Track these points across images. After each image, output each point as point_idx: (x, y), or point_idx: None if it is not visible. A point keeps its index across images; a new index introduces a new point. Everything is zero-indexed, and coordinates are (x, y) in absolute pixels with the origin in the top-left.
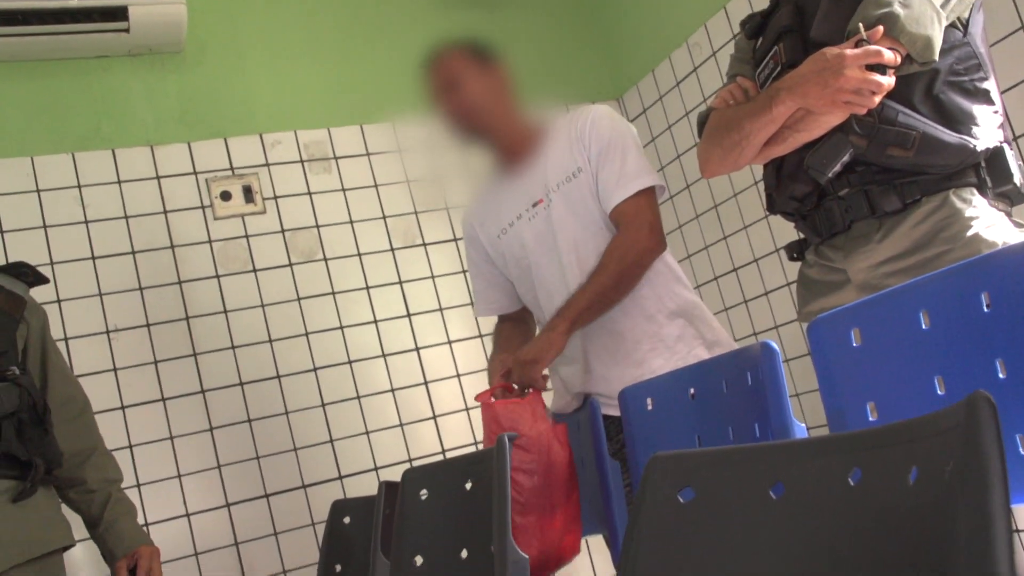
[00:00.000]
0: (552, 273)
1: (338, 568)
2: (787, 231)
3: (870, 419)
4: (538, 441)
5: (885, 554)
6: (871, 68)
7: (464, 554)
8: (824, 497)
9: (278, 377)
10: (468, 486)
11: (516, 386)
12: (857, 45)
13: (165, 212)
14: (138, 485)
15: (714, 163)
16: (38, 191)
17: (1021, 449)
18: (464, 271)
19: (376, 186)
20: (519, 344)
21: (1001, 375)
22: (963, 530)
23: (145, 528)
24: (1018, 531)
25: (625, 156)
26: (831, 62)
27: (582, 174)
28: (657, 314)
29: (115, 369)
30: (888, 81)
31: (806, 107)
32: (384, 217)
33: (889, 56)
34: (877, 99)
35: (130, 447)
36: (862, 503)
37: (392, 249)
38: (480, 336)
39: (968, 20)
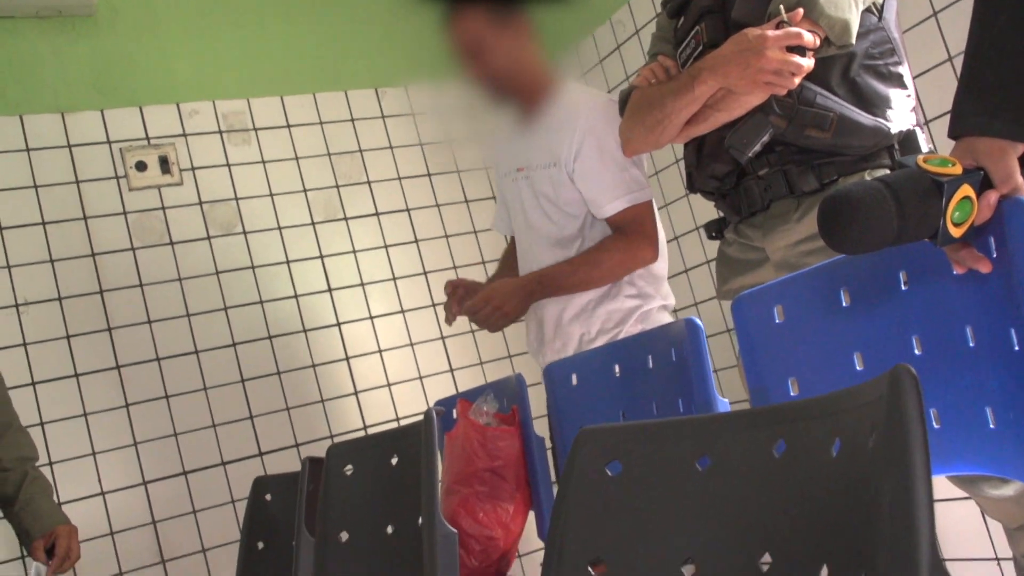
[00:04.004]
0: (520, 233)
1: (260, 546)
2: (707, 209)
3: (792, 395)
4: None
5: (809, 524)
6: (791, 50)
7: (390, 529)
8: (749, 469)
9: (196, 352)
10: (394, 461)
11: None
12: (778, 27)
13: (77, 182)
14: (51, 463)
15: (636, 141)
16: None
17: (935, 423)
18: (386, 246)
19: (297, 159)
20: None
21: (917, 351)
22: (886, 499)
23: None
24: None
25: (616, 166)
26: (752, 43)
27: (555, 168)
28: (594, 312)
29: (25, 344)
30: (808, 63)
31: (727, 87)
32: (305, 190)
33: (809, 38)
34: (797, 80)
35: (42, 424)
36: (787, 475)
37: (313, 223)
38: (402, 311)
39: (882, 5)
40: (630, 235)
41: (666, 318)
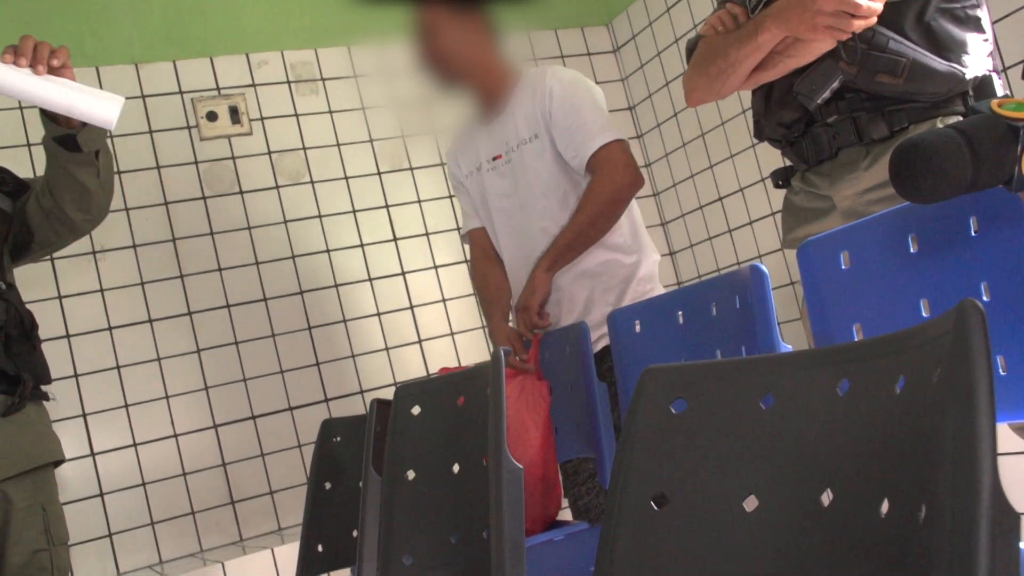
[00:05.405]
0: (506, 225)
1: (328, 486)
2: (773, 160)
3: (856, 341)
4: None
5: (872, 460)
6: None
7: (456, 468)
8: (813, 408)
9: (264, 300)
10: (461, 401)
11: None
12: None
13: (151, 132)
14: (126, 406)
15: (699, 91)
16: (21, 108)
17: (1002, 370)
18: (451, 196)
19: (363, 109)
20: (506, 292)
21: (985, 298)
22: (948, 430)
23: (133, 448)
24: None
25: (591, 114)
26: None
27: (537, 140)
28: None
29: (102, 290)
30: (876, 6)
31: (791, 33)
32: (371, 140)
33: None
34: (858, 23)
35: (118, 368)
36: (850, 413)
37: (379, 173)
38: (466, 261)
39: None
40: (607, 169)
41: (660, 287)
